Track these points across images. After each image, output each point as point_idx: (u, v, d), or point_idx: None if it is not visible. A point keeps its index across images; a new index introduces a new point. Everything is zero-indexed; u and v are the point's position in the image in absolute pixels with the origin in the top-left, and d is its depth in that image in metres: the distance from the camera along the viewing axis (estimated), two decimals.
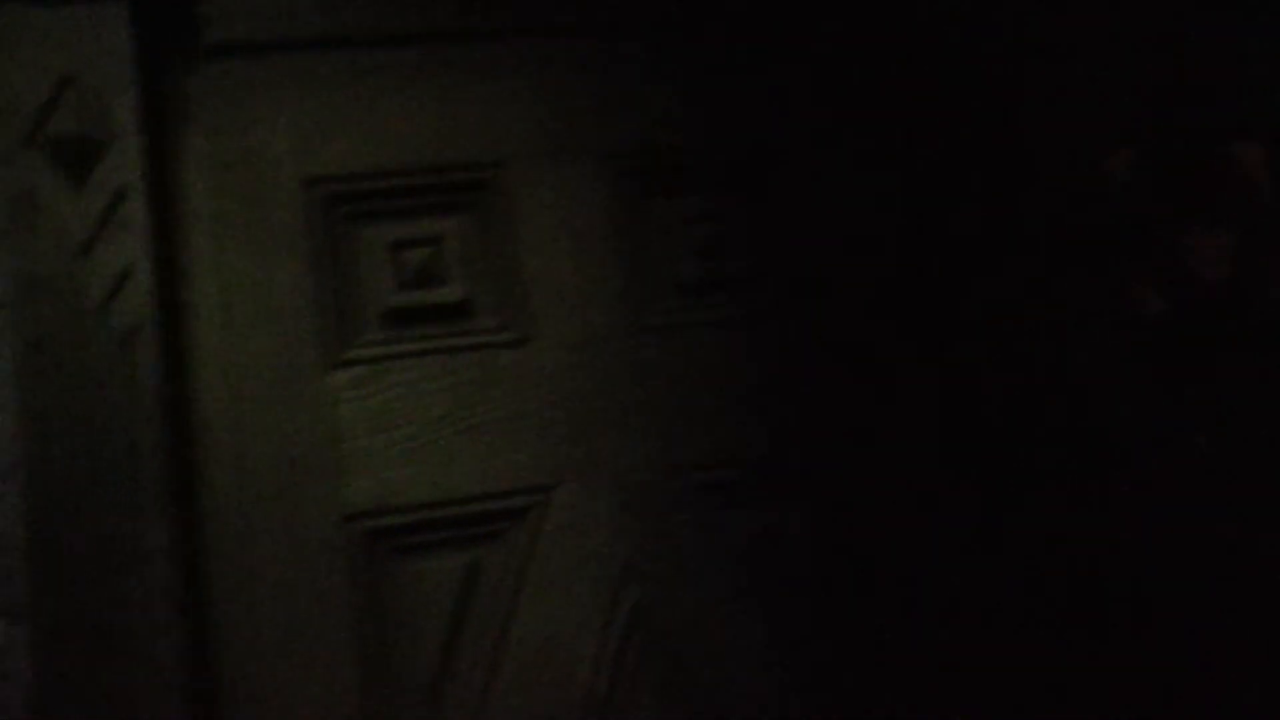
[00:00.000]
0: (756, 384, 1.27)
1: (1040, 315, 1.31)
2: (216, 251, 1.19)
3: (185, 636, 1.08)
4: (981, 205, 1.34)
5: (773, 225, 1.32)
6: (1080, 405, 1.28)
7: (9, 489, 1.10)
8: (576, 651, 1.15)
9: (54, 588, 1.08)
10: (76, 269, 1.12)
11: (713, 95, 1.33)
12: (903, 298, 1.32)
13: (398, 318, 1.22)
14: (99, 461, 1.09)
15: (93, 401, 1.10)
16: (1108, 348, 1.29)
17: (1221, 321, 1.28)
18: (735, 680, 1.17)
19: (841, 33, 1.37)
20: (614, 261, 1.27)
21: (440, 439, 1.19)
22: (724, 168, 1.32)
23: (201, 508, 1.14)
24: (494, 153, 1.27)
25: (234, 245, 1.20)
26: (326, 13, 1.25)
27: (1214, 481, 1.23)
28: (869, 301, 1.31)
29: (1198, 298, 1.29)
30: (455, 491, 1.18)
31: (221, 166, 1.21)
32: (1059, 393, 1.28)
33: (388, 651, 1.13)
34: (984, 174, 1.34)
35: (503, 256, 1.26)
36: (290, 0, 1.25)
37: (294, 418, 1.17)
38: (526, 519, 1.19)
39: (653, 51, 1.32)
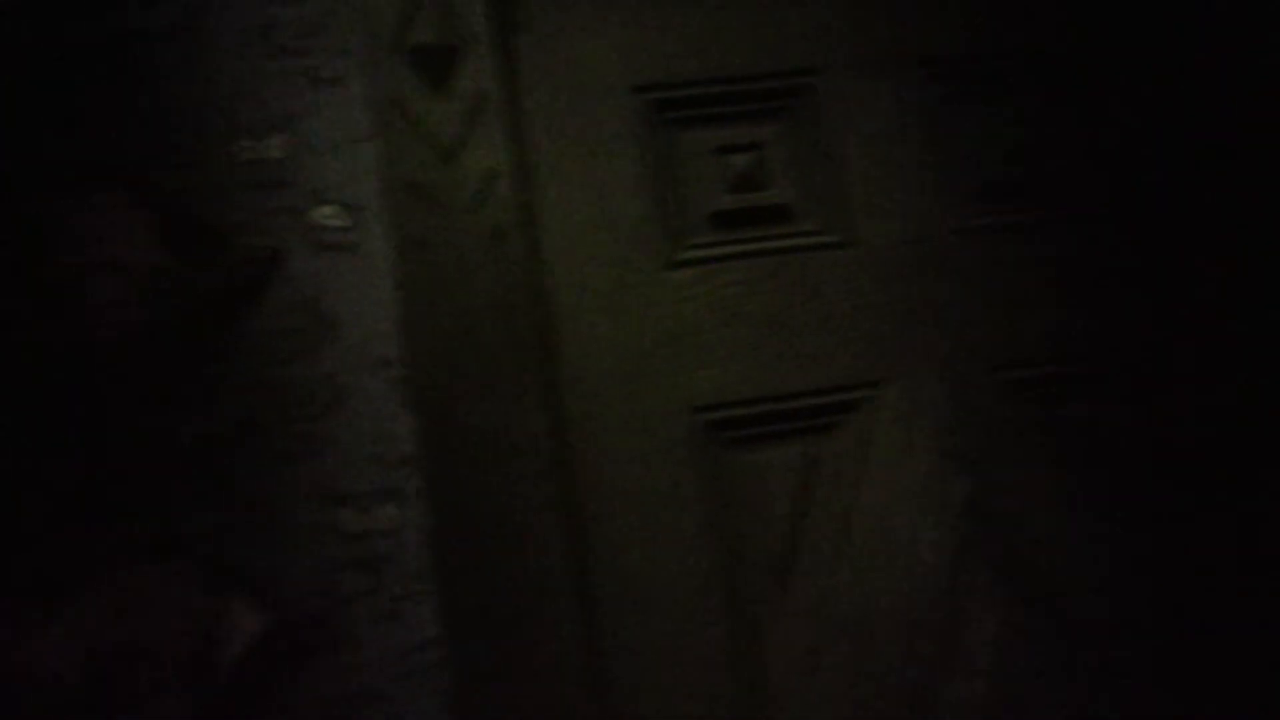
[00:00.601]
0: (1065, 284, 1.29)
1: None
2: (556, 155, 1.24)
3: (561, 518, 1.15)
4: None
5: (1078, 130, 1.33)
6: None
7: (391, 381, 1.17)
8: (915, 537, 1.21)
9: (440, 472, 1.15)
10: (446, 172, 1.17)
11: (1022, 1, 1.34)
12: (1208, 200, 1.33)
13: (724, 220, 1.27)
14: (476, 354, 1.16)
15: (466, 297, 1.16)
16: None
17: None
18: (1065, 564, 1.22)
19: None
20: (926, 165, 1.30)
21: (772, 336, 1.24)
22: (1032, 73, 1.34)
23: (561, 399, 1.20)
24: (810, 60, 1.30)
25: (570, 149, 1.25)
26: None
27: None
28: (1174, 204, 1.33)
29: None
30: (790, 386, 1.23)
31: (555, 74, 1.25)
32: None
33: (737, 536, 1.20)
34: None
35: (820, 161, 1.29)
36: None
37: (636, 315, 1.22)
38: (859, 413, 1.23)
39: None
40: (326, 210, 1.20)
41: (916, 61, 1.31)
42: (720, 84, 1.28)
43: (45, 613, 1.08)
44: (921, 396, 1.24)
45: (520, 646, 1.13)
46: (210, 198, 1.18)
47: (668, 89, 1.27)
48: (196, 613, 1.10)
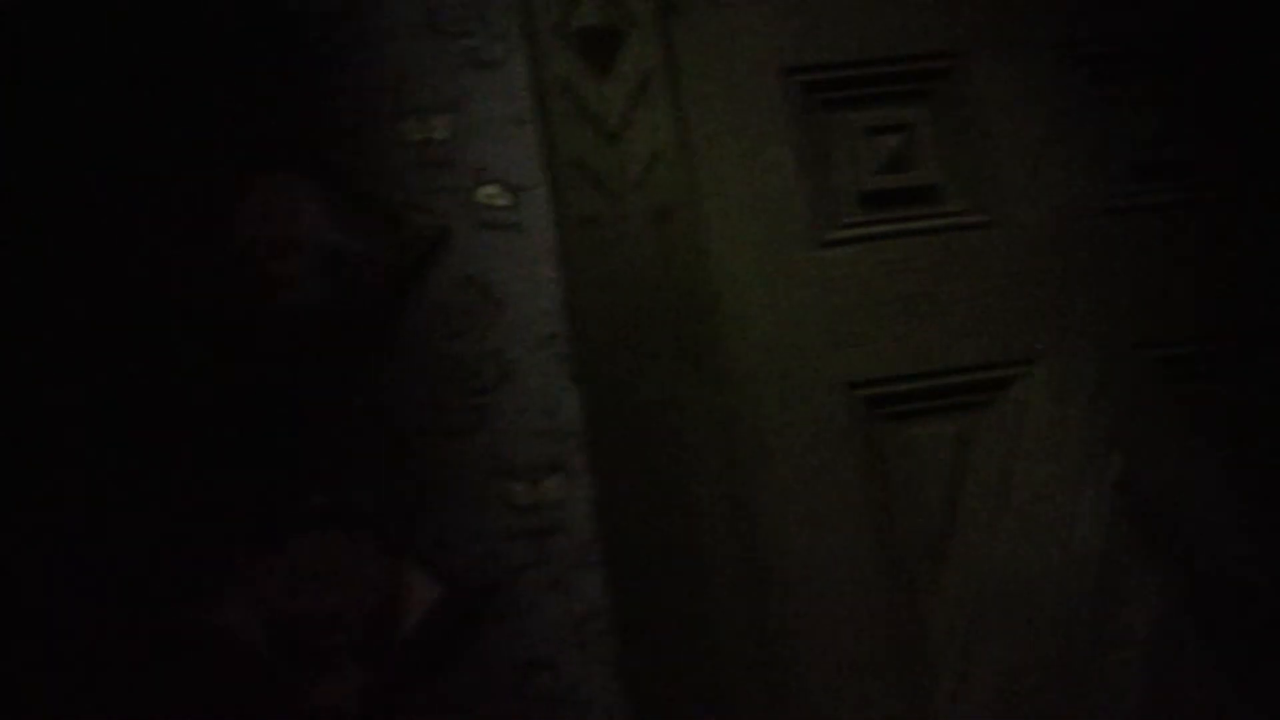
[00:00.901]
0: (1209, 262, 1.31)
1: None
2: (711, 136, 1.26)
3: (725, 490, 1.17)
4: None
5: (1223, 110, 1.35)
6: None
7: (556, 357, 1.19)
8: (1069, 512, 1.22)
9: (605, 445, 1.17)
10: (611, 152, 1.20)
11: None
12: None
13: (874, 200, 1.29)
14: (640, 331, 1.18)
15: (631, 275, 1.19)
16: None
17: None
18: (1218, 539, 1.23)
19: None
20: (1071, 146, 1.31)
21: (924, 314, 1.26)
22: (1173, 56, 1.35)
23: (722, 374, 1.22)
24: (956, 42, 1.31)
25: (724, 130, 1.27)
26: None
27: None
28: None
29: None
30: (943, 363, 1.25)
31: (709, 57, 1.28)
32: None
33: (894, 509, 1.21)
34: None
35: (966, 142, 1.30)
36: None
37: (791, 293, 1.24)
38: (1011, 389, 1.25)
39: None
40: (490, 190, 1.22)
41: (1060, 43, 1.33)
42: (868, 66, 1.30)
43: (228, 579, 1.11)
44: (1071, 374, 1.26)
45: (686, 616, 1.15)
46: (378, 177, 1.21)
47: (817, 71, 1.29)
48: (374, 582, 1.13)
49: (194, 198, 1.18)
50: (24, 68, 1.18)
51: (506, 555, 1.16)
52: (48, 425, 1.11)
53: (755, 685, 1.15)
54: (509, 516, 1.17)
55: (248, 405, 1.15)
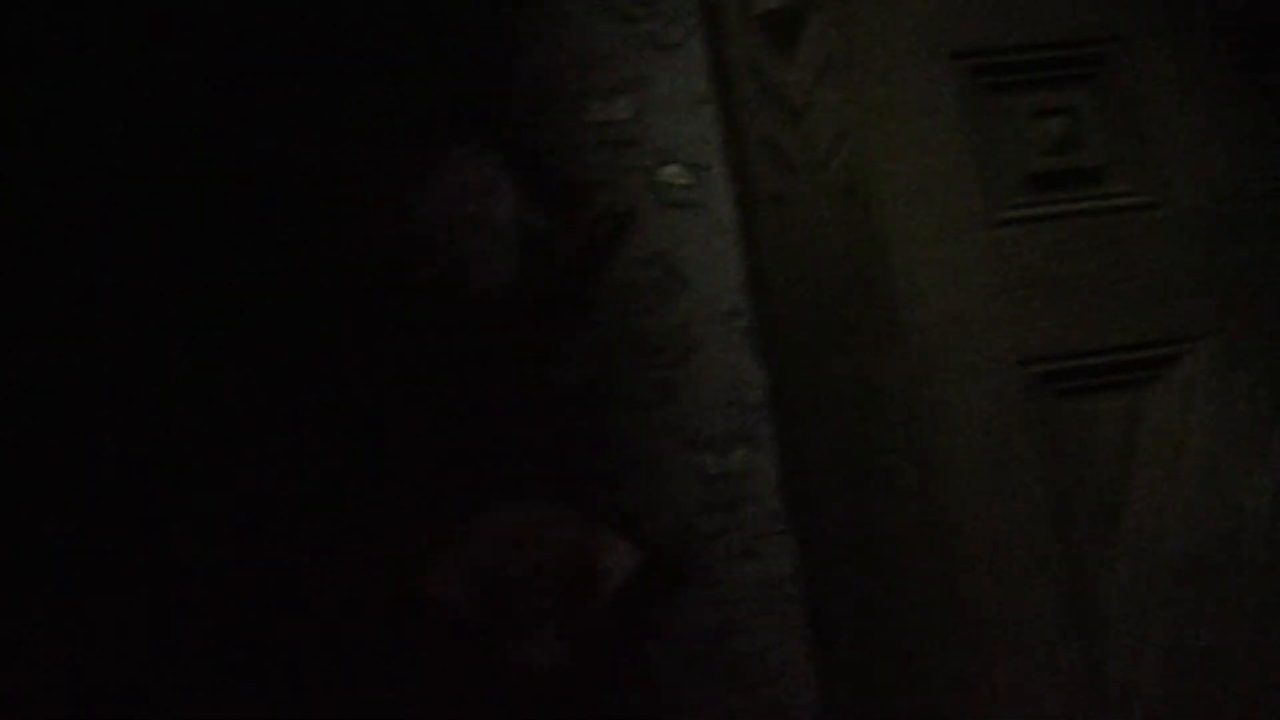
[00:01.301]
0: None
1: None
2: (886, 117, 1.29)
3: (909, 459, 1.20)
4: None
5: None
6: None
7: (740, 332, 1.23)
8: (1239, 484, 1.25)
9: (790, 417, 1.21)
10: (796, 131, 1.23)
11: None
12: None
13: (1040, 182, 1.31)
14: (825, 306, 1.21)
15: (815, 251, 1.22)
16: None
17: None
18: None
19: None
20: (1226, 130, 1.34)
21: (1091, 293, 1.29)
22: None
23: (903, 350, 1.25)
24: (1117, 27, 1.34)
25: (898, 111, 1.29)
26: None
27: None
28: None
29: None
30: (1112, 340, 1.28)
31: (883, 40, 1.30)
32: None
33: (1068, 481, 1.24)
34: None
35: (1128, 125, 1.33)
36: None
37: (963, 271, 1.27)
38: (1179, 366, 1.28)
39: None
40: (672, 169, 1.26)
41: (1216, 28, 1.35)
42: (1033, 50, 1.32)
43: (438, 543, 1.15)
44: (1236, 351, 1.28)
45: (871, 582, 1.18)
46: (564, 156, 1.25)
47: (985, 55, 1.32)
48: (574, 548, 1.17)
49: (380, 172, 1.21)
50: (218, 45, 1.22)
51: (698, 524, 1.20)
52: (267, 403, 1.14)
53: (939, 648, 1.18)
54: (699, 486, 1.20)
55: (450, 380, 1.19)
